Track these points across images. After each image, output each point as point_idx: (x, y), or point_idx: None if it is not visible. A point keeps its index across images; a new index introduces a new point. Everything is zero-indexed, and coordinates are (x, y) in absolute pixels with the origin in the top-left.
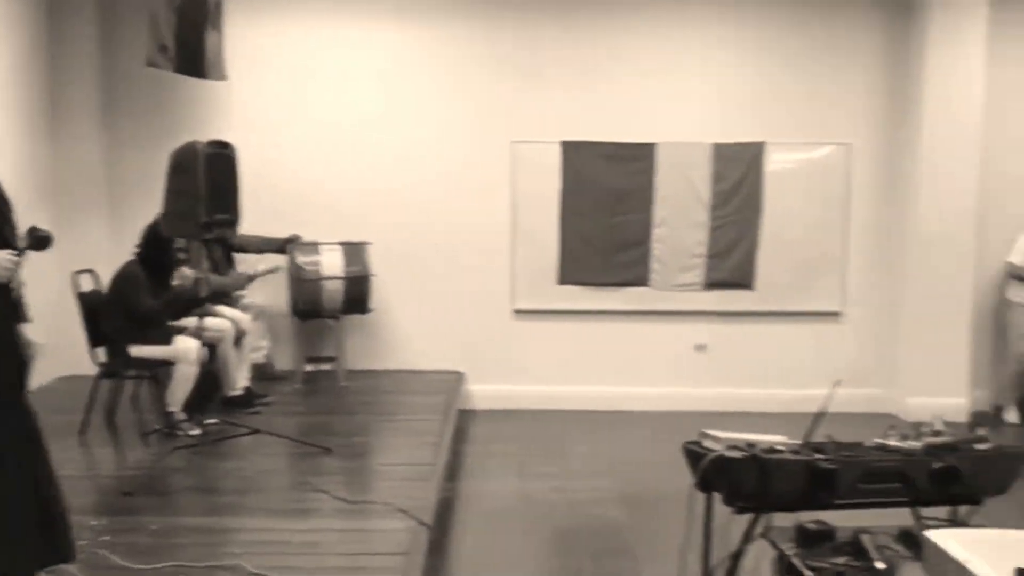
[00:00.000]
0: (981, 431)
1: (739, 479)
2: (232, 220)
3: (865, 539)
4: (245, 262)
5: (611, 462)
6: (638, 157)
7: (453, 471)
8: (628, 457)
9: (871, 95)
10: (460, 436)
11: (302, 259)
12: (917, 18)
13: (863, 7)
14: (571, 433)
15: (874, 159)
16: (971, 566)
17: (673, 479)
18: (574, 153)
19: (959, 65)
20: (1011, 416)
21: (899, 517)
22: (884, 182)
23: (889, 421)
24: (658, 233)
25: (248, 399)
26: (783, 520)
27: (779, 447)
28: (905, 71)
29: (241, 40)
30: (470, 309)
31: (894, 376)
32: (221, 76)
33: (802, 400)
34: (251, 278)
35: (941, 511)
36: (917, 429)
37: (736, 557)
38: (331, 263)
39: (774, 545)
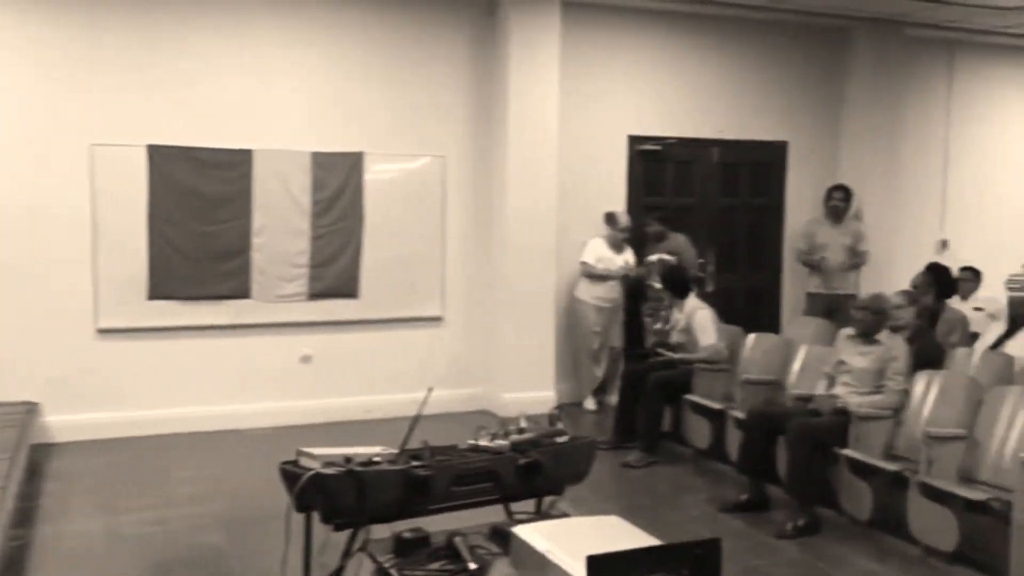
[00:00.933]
0: (560, 425)
1: (336, 495)
2: None
3: (458, 541)
4: None
5: (215, 486)
6: (234, 163)
7: (25, 516)
8: (232, 479)
9: (463, 109)
10: (35, 475)
11: None
12: (500, 38)
13: (453, 25)
14: (172, 459)
15: (467, 170)
16: (551, 556)
17: (278, 499)
18: (162, 158)
19: (537, 83)
20: (589, 405)
21: (496, 514)
22: (476, 192)
23: (489, 418)
24: (257, 242)
25: None
26: (384, 531)
27: (377, 458)
28: (492, 87)
29: None
30: (45, 330)
31: (491, 375)
32: None
33: (409, 404)
34: None
35: (530, 504)
36: (505, 427)
37: (336, 574)
38: None
39: (373, 558)
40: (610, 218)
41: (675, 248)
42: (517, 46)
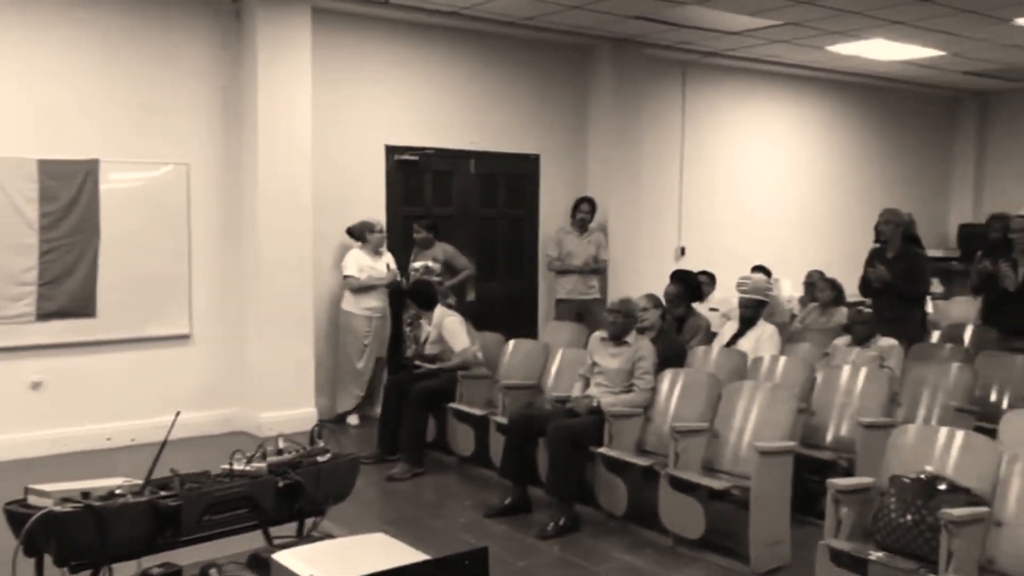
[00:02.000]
0: (321, 443)
1: (72, 535)
2: None
3: (213, 573)
4: None
5: None
6: None
7: None
8: None
9: (208, 115)
10: None
11: None
12: (247, 43)
13: (198, 28)
14: None
15: (214, 179)
16: None
17: (4, 543)
18: None
19: (288, 89)
20: (353, 420)
21: (256, 541)
22: (225, 203)
23: (246, 440)
24: None
25: None
26: (131, 568)
27: (119, 491)
28: (240, 93)
29: None
30: None
31: (246, 394)
32: None
33: (155, 430)
34: None
35: (292, 528)
36: (262, 449)
37: None
38: None
39: None
40: (364, 226)
41: (441, 255)
42: (265, 51)
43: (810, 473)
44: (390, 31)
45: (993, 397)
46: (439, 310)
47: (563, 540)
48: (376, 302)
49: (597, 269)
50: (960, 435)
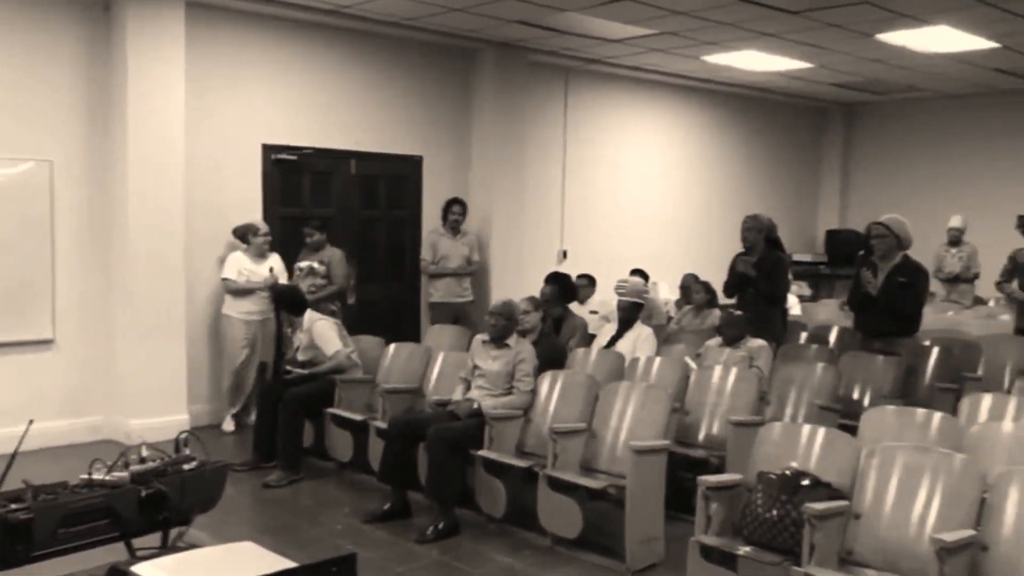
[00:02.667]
0: (187, 450)
1: None
2: None
3: None
4: None
5: None
6: None
7: None
8: None
9: (73, 110)
10: None
11: None
12: (116, 36)
13: (62, 19)
14: None
15: (79, 177)
16: None
17: None
18: None
19: (159, 85)
20: (228, 426)
21: (118, 553)
22: (91, 202)
23: (112, 448)
24: None
25: None
26: None
27: None
28: (108, 88)
29: None
30: None
31: (116, 400)
32: None
33: (12, 440)
34: None
35: (157, 538)
36: (124, 458)
37: None
38: None
39: None
40: (248, 228)
41: (328, 259)
42: (136, 45)
43: (684, 471)
44: (269, 28)
45: (856, 395)
46: (309, 314)
47: (443, 544)
48: (255, 306)
49: (471, 271)
50: (822, 432)
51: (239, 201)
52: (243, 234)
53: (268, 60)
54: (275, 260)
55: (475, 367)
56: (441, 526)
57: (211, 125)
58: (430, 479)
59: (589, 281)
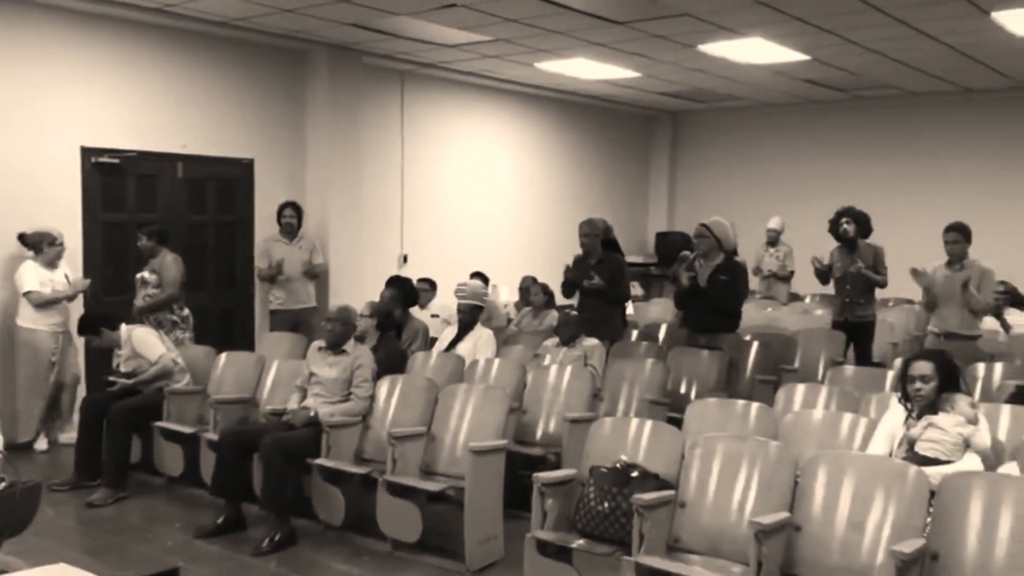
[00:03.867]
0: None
1: None
2: None
3: None
4: None
5: None
6: None
7: None
8: None
9: None
10: None
11: None
12: None
13: None
14: None
15: None
16: None
17: None
18: None
19: None
20: (41, 445)
21: None
22: None
23: None
24: None
25: None
26: None
27: None
28: None
29: None
30: None
31: None
32: None
33: None
34: None
35: None
36: None
37: None
38: None
39: None
40: (43, 237)
41: (158, 266)
42: None
43: (523, 469)
44: (90, 26)
45: (683, 389)
46: (125, 326)
47: (279, 555)
48: (60, 317)
49: (315, 274)
50: (649, 425)
51: (53, 207)
52: (36, 242)
53: (87, 59)
54: (67, 269)
55: (311, 374)
56: (277, 537)
57: (24, 126)
58: (264, 490)
59: (430, 285)
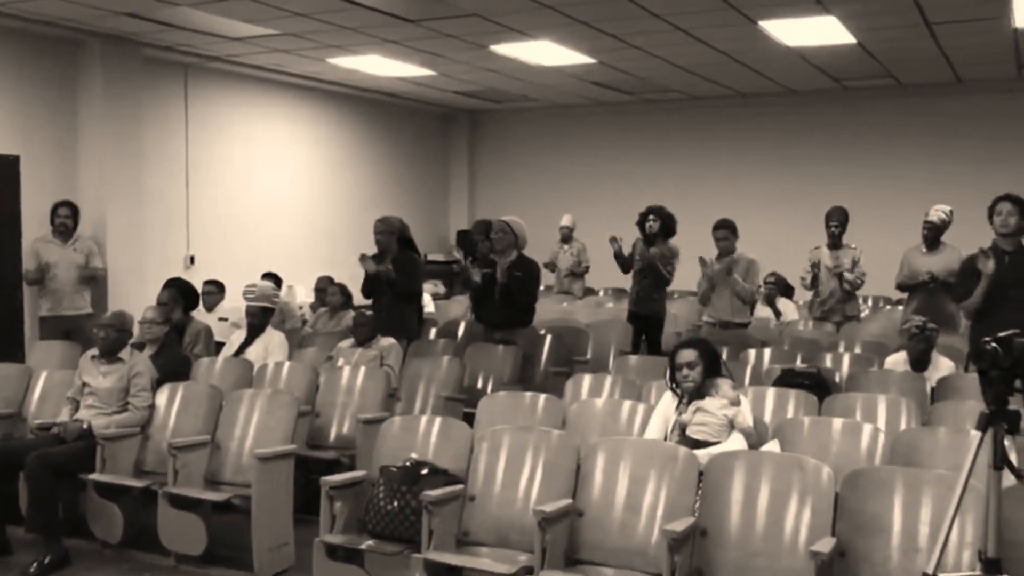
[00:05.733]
0: None
1: None
2: None
3: None
4: None
5: None
6: None
7: None
8: None
9: None
10: None
11: None
12: None
13: None
14: None
15: None
16: None
17: None
18: None
19: None
20: None
21: None
22: None
23: None
24: None
25: None
26: None
27: None
28: None
29: None
30: None
31: None
32: None
33: None
34: None
35: None
36: None
37: None
38: None
39: None
40: None
41: None
42: None
43: (317, 474)
44: None
45: (480, 384)
46: None
47: None
48: None
49: (92, 278)
50: (438, 422)
51: None
52: None
53: None
54: None
55: (84, 385)
56: (47, 560)
57: None
58: (31, 511)
59: (218, 287)
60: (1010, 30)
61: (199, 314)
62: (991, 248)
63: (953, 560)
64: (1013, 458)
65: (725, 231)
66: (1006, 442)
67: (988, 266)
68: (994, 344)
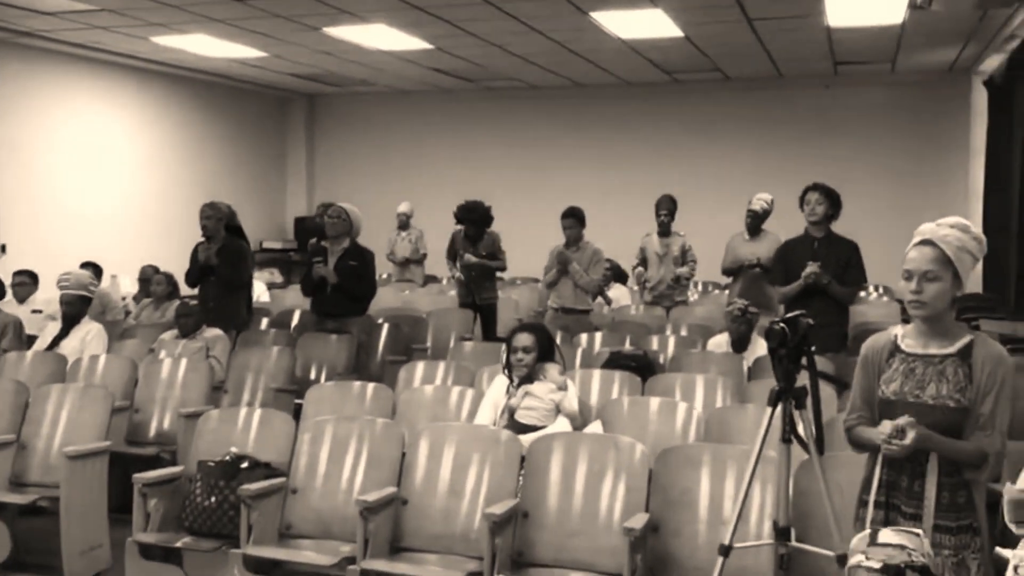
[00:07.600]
0: None
1: None
2: None
3: None
4: None
5: None
6: None
7: None
8: None
9: None
10: None
11: None
12: None
13: None
14: None
15: None
16: None
17: None
18: None
19: None
20: None
21: None
22: None
23: None
24: None
25: None
26: None
27: None
28: None
29: None
30: None
31: None
32: None
33: None
34: None
35: None
36: None
37: None
38: None
39: None
40: None
41: None
42: None
43: (137, 471)
44: None
45: (313, 375)
46: None
47: None
48: None
49: None
50: (259, 413)
51: None
52: None
53: None
54: None
55: None
56: None
57: None
58: None
59: (30, 278)
60: (823, 27)
61: (8, 305)
62: (803, 236)
63: (755, 531)
64: (801, 431)
65: (572, 220)
66: (795, 416)
67: (810, 274)
68: (782, 324)
